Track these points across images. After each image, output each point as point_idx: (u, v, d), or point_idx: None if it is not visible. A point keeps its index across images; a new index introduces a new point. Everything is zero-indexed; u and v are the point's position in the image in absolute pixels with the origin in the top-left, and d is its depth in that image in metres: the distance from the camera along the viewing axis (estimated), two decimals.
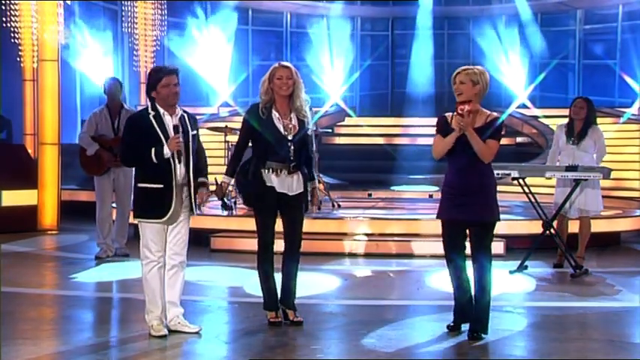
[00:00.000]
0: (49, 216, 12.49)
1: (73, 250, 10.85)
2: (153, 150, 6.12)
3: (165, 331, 6.25)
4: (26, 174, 12.51)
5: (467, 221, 6.24)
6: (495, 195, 6.32)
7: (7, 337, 6.03)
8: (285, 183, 6.46)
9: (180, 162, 6.22)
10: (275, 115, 6.46)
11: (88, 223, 11.25)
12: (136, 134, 6.20)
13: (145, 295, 6.32)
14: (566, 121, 9.54)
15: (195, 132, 6.36)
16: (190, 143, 6.29)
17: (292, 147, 6.43)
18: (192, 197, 6.30)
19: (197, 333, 6.30)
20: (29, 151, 13.34)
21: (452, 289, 6.43)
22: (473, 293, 6.30)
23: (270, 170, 6.44)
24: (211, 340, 6.30)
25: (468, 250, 6.32)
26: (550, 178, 9.23)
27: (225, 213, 9.33)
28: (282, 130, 6.43)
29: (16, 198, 12.30)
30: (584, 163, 9.14)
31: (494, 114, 6.34)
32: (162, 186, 6.16)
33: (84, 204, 13.80)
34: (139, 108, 8.32)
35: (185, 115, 6.35)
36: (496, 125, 6.23)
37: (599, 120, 9.74)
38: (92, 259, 9.89)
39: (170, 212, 6.18)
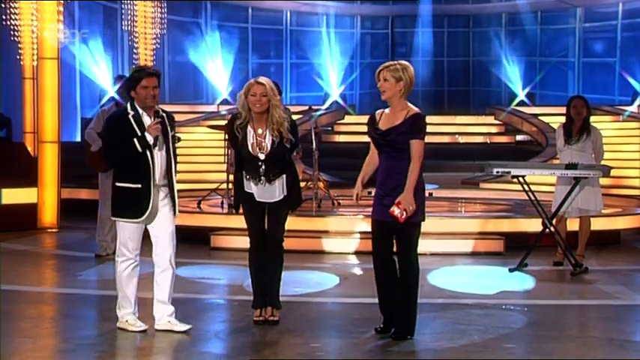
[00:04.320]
0: (48, 214, 12.47)
1: (72, 248, 10.84)
2: (135, 140, 6.09)
3: (144, 326, 6.26)
4: (26, 172, 12.48)
5: (394, 222, 6.04)
6: (422, 195, 6.12)
7: (7, 335, 6.04)
8: (264, 192, 6.46)
9: (157, 158, 6.19)
10: (250, 132, 6.41)
11: (87, 221, 11.23)
12: (116, 133, 6.19)
13: (118, 290, 6.34)
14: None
15: (173, 133, 6.35)
16: (170, 144, 6.28)
17: (263, 166, 6.38)
18: (174, 198, 6.30)
19: (186, 332, 6.23)
20: (29, 149, 13.29)
21: (393, 290, 6.20)
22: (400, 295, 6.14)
23: (249, 178, 6.46)
24: (211, 338, 6.31)
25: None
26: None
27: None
28: (251, 150, 6.37)
29: (15, 196, 12.28)
30: (584, 162, 9.13)
31: (415, 109, 6.09)
32: (140, 186, 6.15)
33: (84, 202, 13.79)
34: None
35: (164, 115, 6.29)
36: (417, 123, 6.04)
37: (599, 118, 9.75)
38: (92, 257, 9.89)
39: (147, 212, 6.18)
